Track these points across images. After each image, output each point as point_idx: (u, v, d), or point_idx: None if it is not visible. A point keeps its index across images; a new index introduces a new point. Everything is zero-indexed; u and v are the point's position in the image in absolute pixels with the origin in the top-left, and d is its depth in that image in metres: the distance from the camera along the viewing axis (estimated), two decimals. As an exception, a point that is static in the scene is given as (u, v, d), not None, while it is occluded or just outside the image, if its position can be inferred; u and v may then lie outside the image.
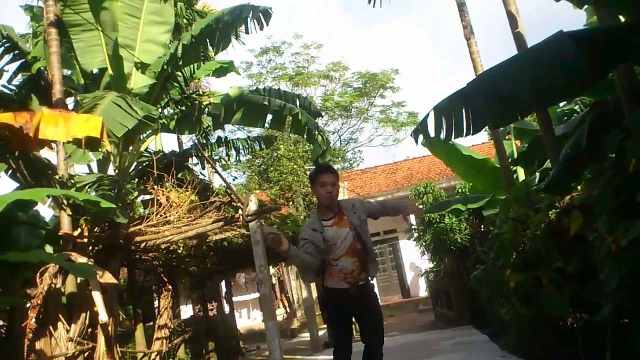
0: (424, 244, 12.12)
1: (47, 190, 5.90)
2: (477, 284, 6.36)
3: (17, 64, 7.99)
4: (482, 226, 10.10)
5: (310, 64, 25.64)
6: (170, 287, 9.59)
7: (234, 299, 13.76)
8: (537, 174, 7.03)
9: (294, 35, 28.89)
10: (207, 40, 7.43)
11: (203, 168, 12.31)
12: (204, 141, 10.40)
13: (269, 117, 8.92)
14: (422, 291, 19.42)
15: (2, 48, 7.61)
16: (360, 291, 3.83)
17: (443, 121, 3.31)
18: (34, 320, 5.55)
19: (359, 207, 4.06)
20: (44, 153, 6.72)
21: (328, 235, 3.84)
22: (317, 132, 8.69)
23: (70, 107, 7.64)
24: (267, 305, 7.85)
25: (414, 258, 17.53)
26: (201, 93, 10.93)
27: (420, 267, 16.29)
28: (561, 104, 7.22)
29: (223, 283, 13.60)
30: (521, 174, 7.67)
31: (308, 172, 22.82)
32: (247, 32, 7.43)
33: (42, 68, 7.74)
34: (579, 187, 4.01)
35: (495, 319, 6.48)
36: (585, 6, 5.10)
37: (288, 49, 25.45)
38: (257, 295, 18.12)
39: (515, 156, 7.32)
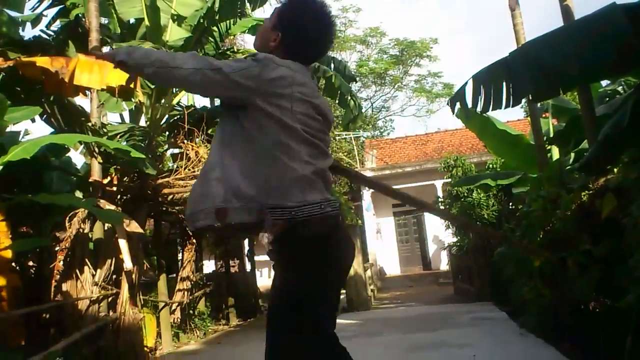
0: (449, 217, 12.01)
1: (80, 136, 5.98)
2: (500, 261, 6.31)
3: (55, 9, 8.03)
4: (511, 204, 9.95)
5: (348, 27, 25.33)
6: (194, 241, 9.76)
7: (256, 257, 13.92)
8: (572, 154, 6.85)
9: (332, -3, 28.44)
10: (245, -4, 7.35)
11: (233, 125, 12.33)
12: (236, 98, 10.39)
13: (302, 77, 8.83)
14: (444, 264, 19.40)
15: (43, -8, 7.65)
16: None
17: (482, 91, 3.21)
18: (61, 262, 5.71)
19: None
20: (78, 100, 6.81)
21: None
22: (349, 97, 8.61)
23: (106, 55, 7.67)
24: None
25: (438, 231, 17.48)
26: (236, 50, 10.86)
27: (443, 240, 16.24)
28: (604, 84, 6.97)
29: (246, 241, 13.76)
30: (555, 153, 7.48)
31: (337, 138, 22.79)
32: (286, -12, 7.31)
33: (80, 15, 7.75)
34: (615, 170, 3.89)
35: (516, 298, 6.43)
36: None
37: (326, 10, 25.12)
38: (278, 255, 18.28)
39: (552, 135, 7.13)
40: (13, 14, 7.76)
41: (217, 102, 13.90)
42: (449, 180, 12.74)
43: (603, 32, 2.85)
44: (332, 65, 9.25)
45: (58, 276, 5.66)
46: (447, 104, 3.55)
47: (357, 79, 22.06)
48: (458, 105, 3.44)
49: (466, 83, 3.38)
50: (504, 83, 3.13)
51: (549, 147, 7.38)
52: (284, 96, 1.86)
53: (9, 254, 4.98)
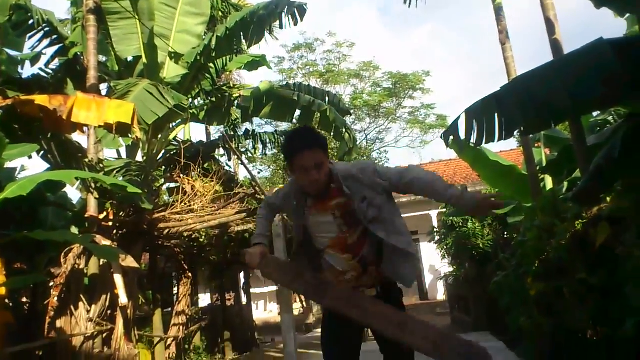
0: (444, 247, 12.02)
1: (77, 172, 6.00)
2: (497, 291, 6.29)
3: (55, 48, 8.14)
4: (506, 233, 9.98)
5: (342, 62, 25.62)
6: (190, 274, 9.71)
7: (252, 290, 13.83)
8: (566, 184, 6.91)
9: (327, 33, 28.91)
10: (241, 34, 7.46)
11: (229, 159, 12.43)
12: (232, 133, 10.49)
13: (298, 112, 8.93)
14: (440, 294, 19.31)
15: (42, 32, 7.75)
16: None
17: (474, 124, 3.27)
18: (56, 298, 5.67)
19: (367, 178, 2.54)
20: (75, 136, 6.85)
21: (308, 222, 2.67)
22: (344, 130, 8.69)
23: (104, 92, 7.76)
24: (284, 298, 7.90)
25: (434, 261, 17.41)
26: (232, 85, 11.01)
27: (439, 270, 16.19)
28: (595, 114, 7.08)
29: (242, 274, 13.70)
30: (549, 182, 7.55)
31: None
32: (281, 27, 7.44)
33: (78, 53, 7.87)
34: (608, 199, 3.93)
35: (513, 327, 6.39)
36: (627, 15, 4.99)
37: (320, 46, 25.48)
38: (274, 288, 18.22)
39: (544, 164, 7.20)
40: (12, 52, 7.88)
41: (213, 137, 13.95)
42: (444, 210, 12.78)
43: (591, 66, 2.93)
44: (327, 99, 9.38)
45: (52, 312, 5.61)
46: (441, 137, 3.61)
47: (352, 112, 22.26)
48: (451, 138, 3.51)
49: (459, 117, 3.45)
50: (496, 116, 3.20)
51: (542, 177, 7.44)
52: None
53: (2, 291, 4.94)
